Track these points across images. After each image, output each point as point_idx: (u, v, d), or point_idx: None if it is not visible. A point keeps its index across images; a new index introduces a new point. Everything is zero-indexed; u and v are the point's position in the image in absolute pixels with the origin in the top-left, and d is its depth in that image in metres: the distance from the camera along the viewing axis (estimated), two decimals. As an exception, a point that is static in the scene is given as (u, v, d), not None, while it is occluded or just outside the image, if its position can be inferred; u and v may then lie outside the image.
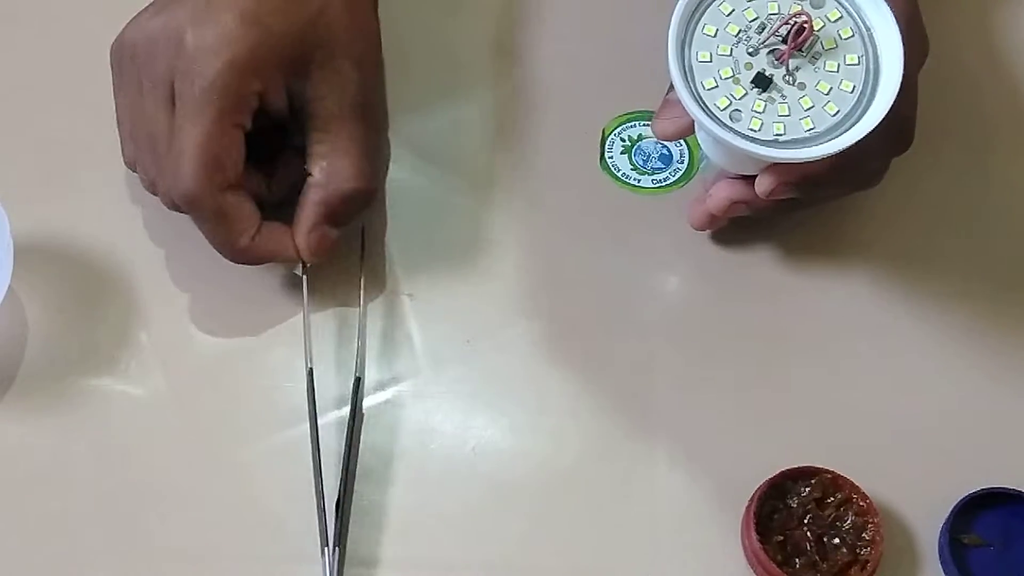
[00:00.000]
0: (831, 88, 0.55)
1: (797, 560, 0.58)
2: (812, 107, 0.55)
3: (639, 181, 0.67)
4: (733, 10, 0.56)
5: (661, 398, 0.63)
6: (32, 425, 0.61)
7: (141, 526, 0.59)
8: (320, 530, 0.57)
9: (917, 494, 0.60)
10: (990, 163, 0.69)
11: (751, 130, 0.55)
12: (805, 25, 0.55)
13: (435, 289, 0.65)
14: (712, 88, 0.56)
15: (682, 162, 0.68)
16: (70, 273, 0.64)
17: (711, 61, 0.56)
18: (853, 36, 0.55)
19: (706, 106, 0.55)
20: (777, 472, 0.59)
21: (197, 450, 0.61)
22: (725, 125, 0.55)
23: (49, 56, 0.71)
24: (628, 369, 0.64)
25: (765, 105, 0.56)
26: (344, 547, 0.57)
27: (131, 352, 0.63)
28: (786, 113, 0.56)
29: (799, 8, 0.55)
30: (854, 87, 0.55)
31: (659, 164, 0.68)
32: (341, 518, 0.58)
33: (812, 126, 0.56)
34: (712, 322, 0.65)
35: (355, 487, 0.59)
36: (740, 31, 0.56)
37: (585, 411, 0.63)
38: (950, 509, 0.59)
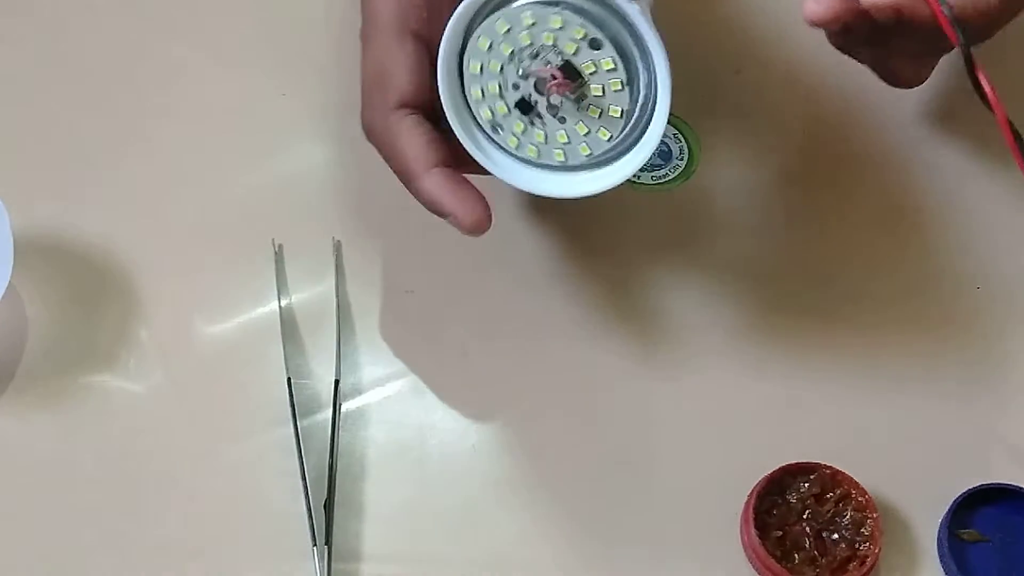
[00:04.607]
0: (588, 132, 0.53)
1: (796, 555, 0.58)
2: (568, 143, 0.54)
3: (638, 177, 0.67)
4: (509, 29, 0.52)
5: (660, 394, 0.63)
6: (32, 421, 0.61)
7: (140, 521, 0.59)
8: (309, 529, 0.58)
9: (916, 490, 0.60)
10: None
11: (509, 145, 0.55)
12: (554, 89, 0.52)
13: (435, 286, 0.65)
14: (478, 100, 0.54)
15: (681, 159, 0.68)
16: (70, 270, 0.65)
17: (481, 73, 0.54)
18: (623, 90, 0.52)
19: (473, 115, 0.55)
20: (776, 468, 0.59)
21: (196, 446, 0.61)
22: (488, 136, 0.55)
23: (50, 54, 0.71)
24: (627, 366, 0.64)
25: (525, 127, 0.54)
26: (331, 545, 0.58)
27: (131, 349, 0.63)
28: (542, 140, 0.54)
29: (554, 65, 0.52)
30: (611, 137, 0.53)
31: (658, 160, 0.68)
32: (328, 517, 0.58)
33: (563, 159, 0.54)
34: (711, 318, 0.65)
35: (355, 484, 0.60)
36: (513, 52, 0.53)
37: (585, 407, 0.63)
38: (949, 505, 0.59)
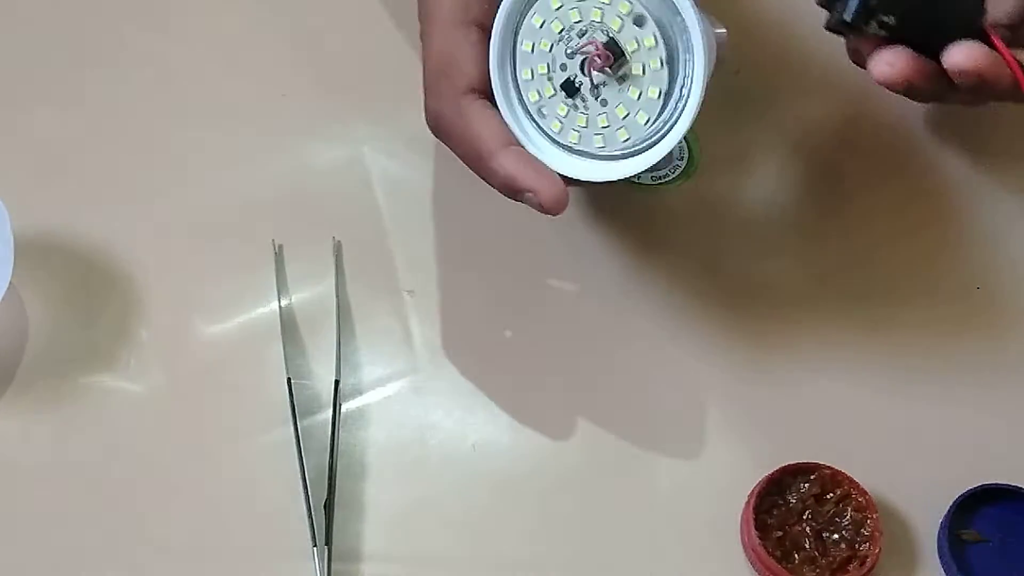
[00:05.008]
0: (627, 115, 0.54)
1: (796, 556, 0.58)
2: (607, 127, 0.54)
3: (639, 177, 0.67)
4: (561, 6, 0.53)
5: (661, 394, 0.63)
6: (32, 421, 0.61)
7: (139, 521, 0.59)
8: (309, 529, 0.58)
9: (916, 490, 0.60)
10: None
11: (552, 130, 0.55)
12: (597, 59, 0.53)
13: (435, 286, 0.65)
14: (527, 80, 0.55)
15: (681, 159, 0.68)
16: (71, 270, 0.65)
17: (532, 52, 0.54)
18: (662, 69, 0.52)
19: (521, 96, 0.55)
20: (776, 468, 0.59)
21: (196, 446, 0.61)
22: (532, 118, 0.55)
23: (49, 55, 0.71)
24: (628, 365, 0.64)
25: (568, 111, 0.55)
26: (331, 545, 0.58)
27: (131, 349, 0.63)
28: (584, 125, 0.55)
29: (597, 40, 0.53)
30: (648, 120, 0.53)
31: (659, 161, 0.68)
32: (328, 517, 0.58)
33: (603, 145, 0.55)
34: (711, 318, 0.65)
35: (355, 484, 0.60)
36: (563, 29, 0.54)
37: (585, 408, 0.63)
38: (949, 505, 0.59)
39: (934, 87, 0.55)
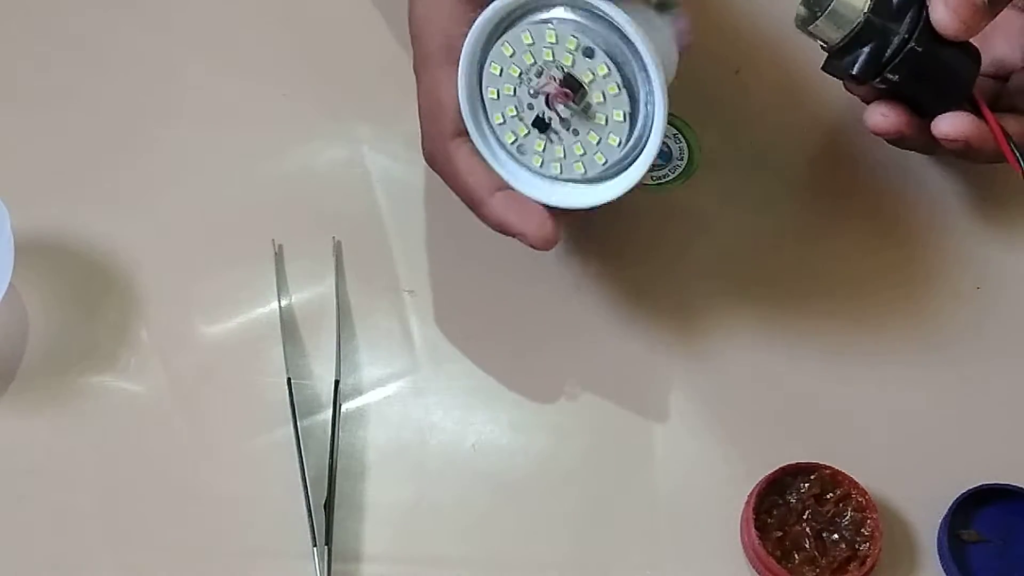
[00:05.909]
0: (600, 140, 0.55)
1: (796, 556, 0.58)
2: (584, 154, 0.55)
3: (638, 178, 0.67)
4: (514, 52, 0.54)
5: (660, 394, 0.63)
6: (32, 421, 0.61)
7: (140, 522, 0.59)
8: (309, 529, 0.58)
9: (916, 490, 0.60)
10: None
11: (535, 165, 0.57)
12: (557, 96, 0.54)
13: (435, 286, 0.65)
14: (500, 123, 0.56)
15: (682, 159, 0.68)
16: (71, 270, 0.65)
17: (498, 99, 0.56)
18: (620, 93, 0.53)
19: (499, 139, 0.57)
20: (776, 468, 0.59)
21: (196, 447, 0.61)
22: (514, 158, 0.57)
23: (50, 55, 0.71)
24: (628, 365, 0.64)
25: (545, 145, 0.56)
26: (331, 545, 0.58)
27: (131, 349, 0.63)
28: (562, 156, 0.56)
29: (554, 78, 0.54)
30: (620, 142, 0.54)
31: (659, 161, 0.68)
32: (328, 517, 0.58)
33: (584, 171, 0.56)
34: (710, 319, 0.65)
35: (356, 484, 0.60)
36: (521, 73, 0.55)
37: (585, 408, 0.63)
38: (949, 505, 0.59)
39: (924, 141, 0.58)
